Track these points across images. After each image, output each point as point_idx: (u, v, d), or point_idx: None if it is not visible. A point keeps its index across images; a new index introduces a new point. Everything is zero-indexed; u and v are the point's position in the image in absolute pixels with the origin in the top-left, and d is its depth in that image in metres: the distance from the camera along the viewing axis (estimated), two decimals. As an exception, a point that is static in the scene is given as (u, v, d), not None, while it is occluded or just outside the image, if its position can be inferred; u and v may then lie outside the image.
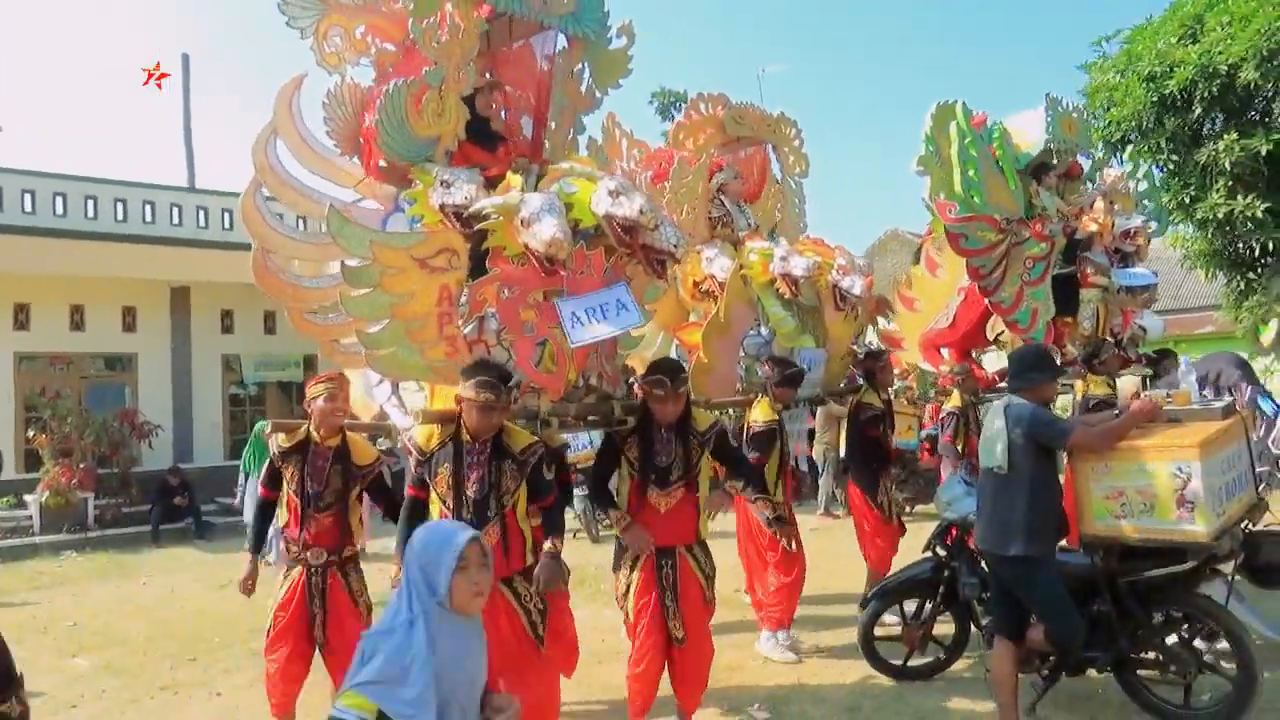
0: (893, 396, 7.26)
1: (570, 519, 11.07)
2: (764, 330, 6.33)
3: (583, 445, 10.94)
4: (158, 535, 12.78)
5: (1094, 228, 6.63)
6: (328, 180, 4.85)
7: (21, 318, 13.90)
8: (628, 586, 4.39)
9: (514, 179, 4.40)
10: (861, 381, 6.88)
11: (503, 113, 5.15)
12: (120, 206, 15.15)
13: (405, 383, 4.59)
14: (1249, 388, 11.31)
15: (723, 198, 6.91)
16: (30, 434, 13.39)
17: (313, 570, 4.36)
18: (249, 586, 4.39)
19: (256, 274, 4.45)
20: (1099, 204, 6.70)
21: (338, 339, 4.54)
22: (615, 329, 4.30)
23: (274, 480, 4.44)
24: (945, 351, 7.66)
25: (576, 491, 11.08)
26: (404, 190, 4.57)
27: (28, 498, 12.86)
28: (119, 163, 61.51)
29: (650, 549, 4.33)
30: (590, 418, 4.60)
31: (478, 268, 4.20)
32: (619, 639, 6.20)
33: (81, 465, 12.98)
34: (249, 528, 4.49)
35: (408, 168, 4.51)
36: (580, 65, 5.27)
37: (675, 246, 4.27)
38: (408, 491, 3.93)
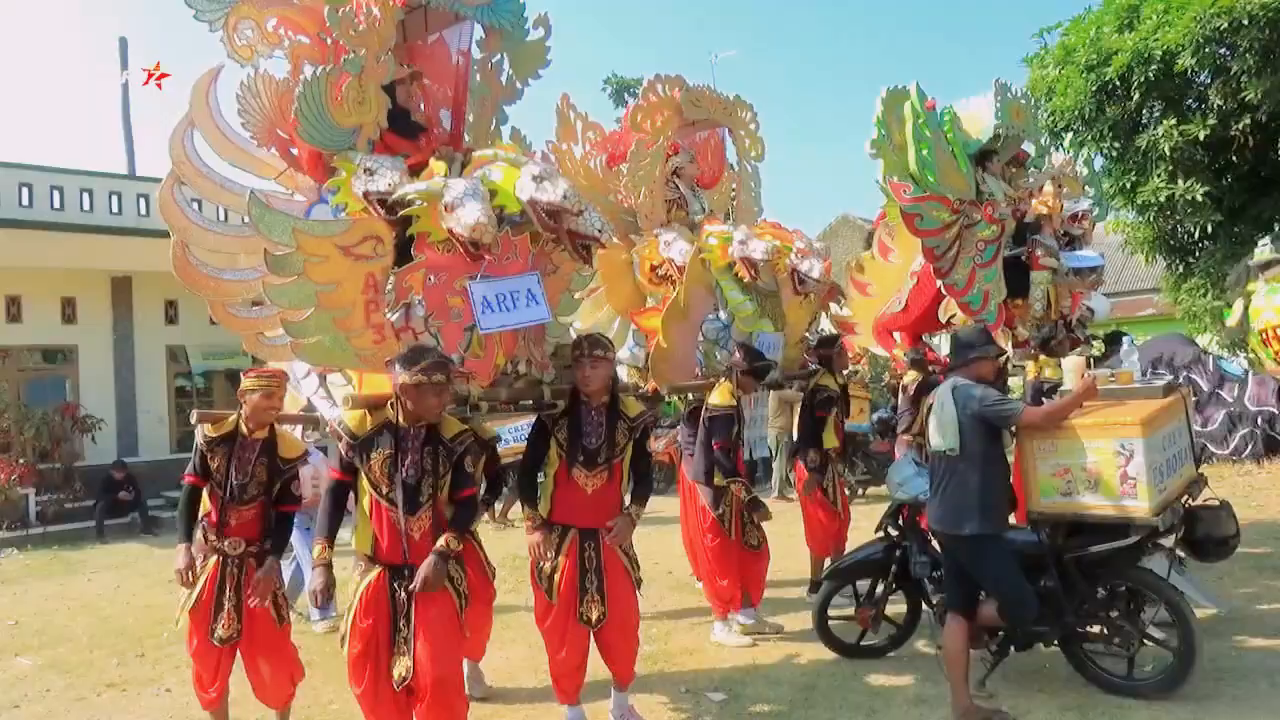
0: (847, 381, 7.33)
1: (517, 510, 11.02)
2: (722, 314, 6.34)
3: (523, 437, 10.90)
4: (102, 531, 12.52)
5: (1043, 211, 6.74)
6: (247, 172, 4.79)
7: (-45, 309, 13.47)
8: (553, 570, 4.42)
9: (437, 165, 4.38)
10: (816, 366, 6.94)
11: (421, 104, 5.10)
12: (57, 194, 14.71)
13: (333, 375, 4.54)
14: (1210, 359, 11.71)
15: (677, 181, 6.91)
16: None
17: (228, 560, 4.32)
18: (190, 577, 4.29)
19: (176, 267, 4.39)
20: (1048, 187, 6.81)
21: (262, 332, 4.47)
22: (521, 321, 4.30)
23: (204, 468, 4.36)
24: (898, 335, 7.75)
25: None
26: (328, 181, 4.51)
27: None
28: (55, 149, 59.73)
29: (548, 558, 4.44)
30: (521, 402, 4.60)
31: (402, 255, 4.16)
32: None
33: (21, 461, 12.65)
34: (178, 518, 4.41)
35: (329, 159, 4.46)
36: (499, 56, 5.25)
37: (600, 231, 4.27)
38: (330, 474, 3.93)
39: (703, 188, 7.26)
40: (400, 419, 3.76)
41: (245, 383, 4.40)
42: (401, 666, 3.67)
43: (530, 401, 4.60)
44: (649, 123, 6.67)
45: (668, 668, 5.51)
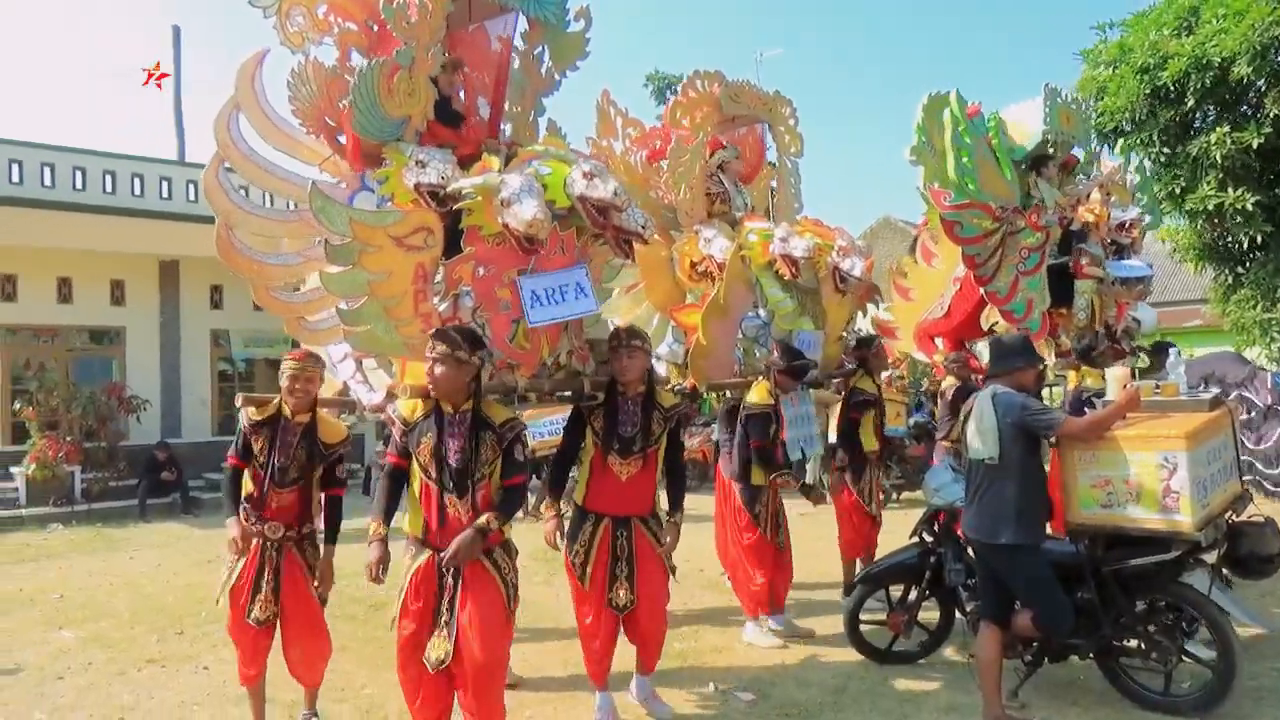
0: (883, 384, 7.28)
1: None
2: (762, 312, 6.32)
3: (555, 431, 10.93)
4: (145, 510, 12.78)
5: (1090, 218, 6.64)
6: (291, 157, 4.84)
7: (9, 289, 13.80)
8: (586, 556, 4.53)
9: (492, 160, 4.42)
10: (854, 366, 6.90)
11: (461, 93, 5.15)
12: (109, 179, 15.02)
13: (368, 361, 4.60)
14: (1269, 375, 11.42)
15: (721, 175, 6.88)
16: (16, 406, 13.32)
17: (268, 543, 4.37)
18: (243, 545, 4.32)
19: (220, 250, 4.44)
20: (1095, 195, 6.71)
21: (304, 316, 4.55)
22: (570, 314, 4.36)
23: (246, 451, 4.40)
24: (939, 341, 7.69)
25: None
26: (371, 170, 4.55)
27: (14, 470, 12.81)
28: (108, 135, 60.89)
29: (557, 545, 4.65)
30: (562, 393, 4.69)
31: (450, 246, 4.22)
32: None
33: (68, 439, 12.94)
34: (224, 496, 4.46)
35: (375, 147, 4.51)
36: (540, 47, 5.29)
37: (643, 228, 4.34)
38: (388, 459, 3.99)
39: (744, 182, 7.24)
40: (447, 405, 3.83)
41: (284, 365, 4.44)
42: (440, 650, 3.70)
43: (569, 392, 4.67)
44: (688, 119, 6.67)
45: (697, 665, 5.52)
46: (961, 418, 4.56)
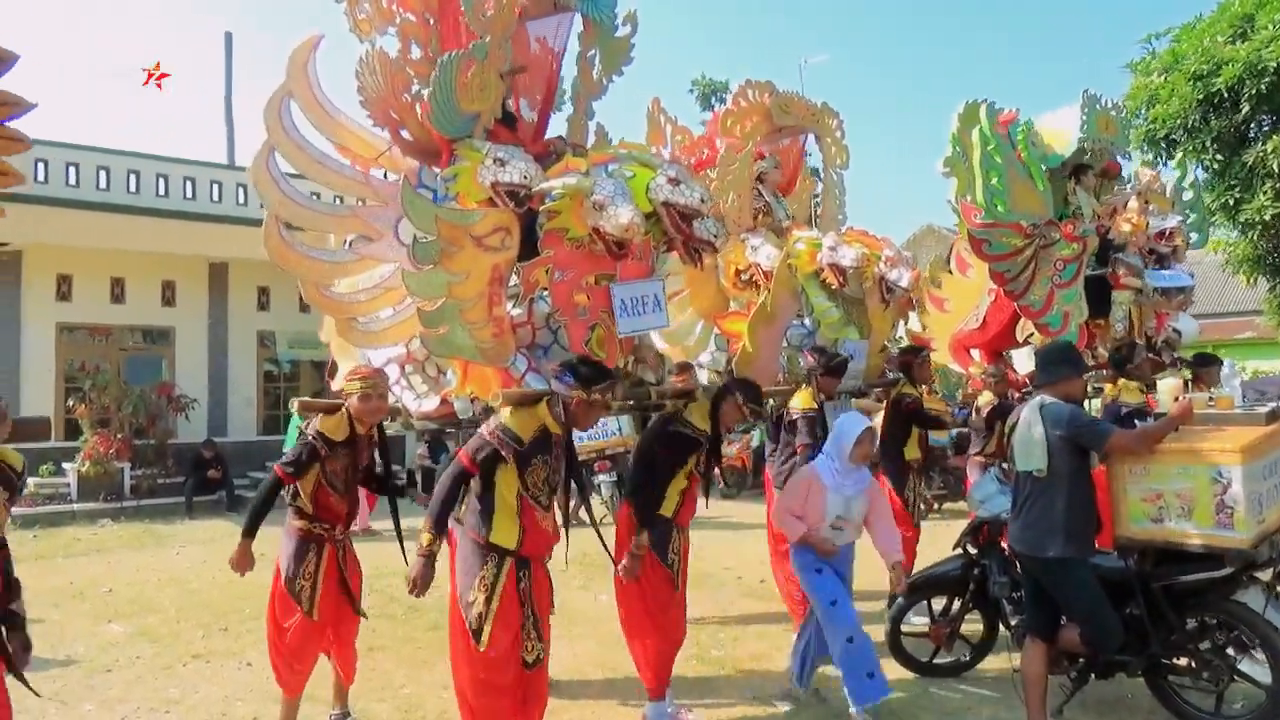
0: (924, 394, 7.20)
1: (596, 504, 11.13)
2: (807, 321, 6.29)
3: (610, 432, 10.98)
4: (191, 507, 13.02)
5: (1127, 228, 6.51)
6: (340, 148, 4.67)
7: (64, 289, 14.16)
8: (679, 564, 4.70)
9: (578, 161, 4.30)
10: (895, 375, 6.84)
11: (511, 94, 5.10)
12: (162, 182, 15.34)
13: (409, 365, 4.59)
14: None
15: (760, 187, 6.88)
16: (70, 403, 13.64)
17: (338, 545, 4.44)
18: (248, 565, 4.24)
19: (269, 244, 4.22)
20: (1133, 204, 6.57)
21: (355, 316, 4.44)
22: (648, 326, 4.35)
23: (300, 470, 4.28)
24: (975, 353, 7.59)
25: (604, 478, 11.17)
26: (427, 166, 4.44)
27: (66, 466, 13.12)
28: (161, 139, 62.21)
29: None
30: (629, 402, 4.67)
31: (523, 248, 4.15)
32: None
33: (119, 436, 13.22)
34: (251, 511, 4.27)
35: (436, 141, 4.41)
36: (593, 50, 5.25)
37: (715, 237, 4.27)
38: (462, 461, 3.74)
39: (784, 194, 7.22)
40: (556, 427, 3.83)
41: (349, 386, 4.38)
42: (535, 651, 3.74)
43: (634, 401, 4.68)
44: (739, 128, 6.65)
45: (734, 673, 5.49)
46: (1007, 429, 4.49)
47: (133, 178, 15.07)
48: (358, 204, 4.45)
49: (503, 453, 3.67)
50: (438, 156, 4.44)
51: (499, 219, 3.93)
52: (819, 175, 7.48)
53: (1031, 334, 6.58)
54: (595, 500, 11.18)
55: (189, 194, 15.56)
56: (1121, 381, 6.30)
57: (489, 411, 4.14)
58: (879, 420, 7.43)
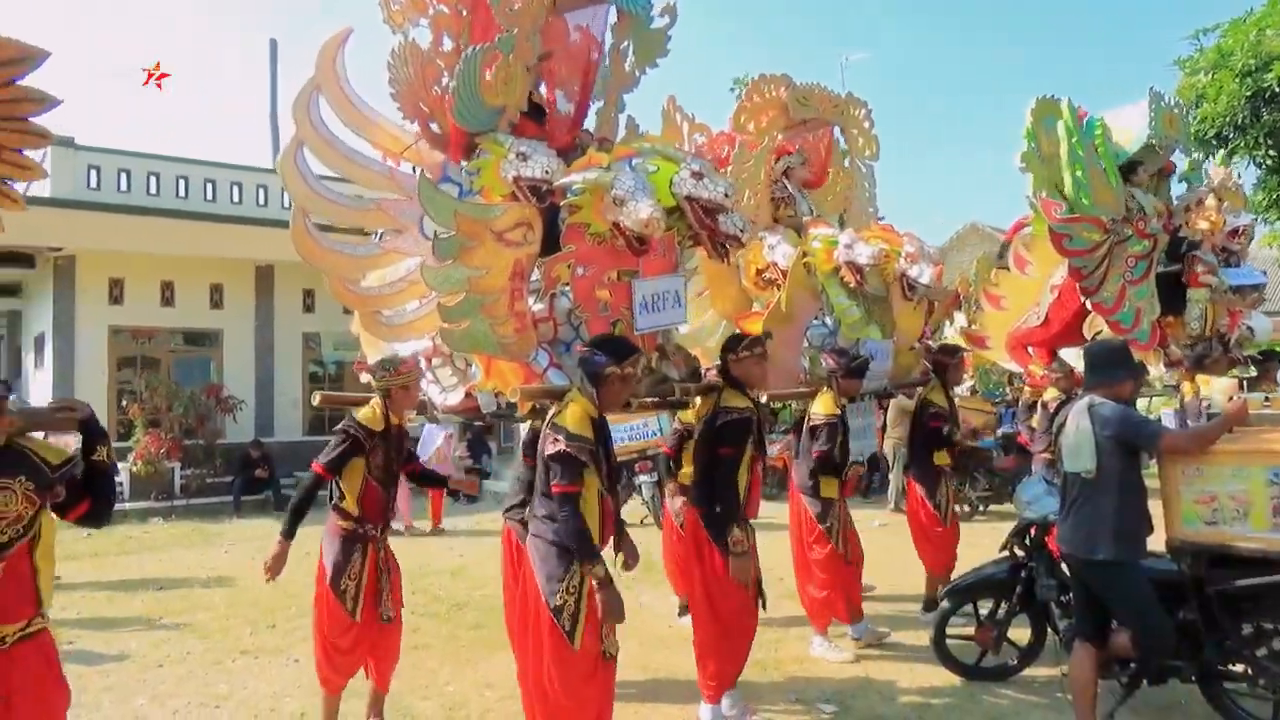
0: (957, 395, 7.11)
1: (636, 505, 11.15)
2: (828, 320, 6.21)
3: (651, 433, 10.97)
4: (239, 506, 13.27)
5: (1205, 225, 6.38)
6: (369, 143, 4.64)
7: (116, 292, 14.46)
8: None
9: (600, 155, 4.27)
10: (930, 376, 6.76)
11: (542, 85, 5.07)
12: (210, 187, 15.63)
13: (436, 359, 4.59)
14: None
15: (786, 182, 6.78)
16: (123, 404, 13.94)
17: (378, 545, 4.46)
18: (281, 568, 4.29)
19: (295, 238, 4.22)
20: (1210, 201, 6.44)
21: (378, 310, 4.43)
22: (667, 322, 4.31)
23: (341, 463, 4.34)
24: (1033, 350, 7.47)
25: (645, 479, 11.18)
26: (452, 160, 4.43)
27: (119, 465, 13.40)
28: (207, 145, 63.35)
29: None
30: (652, 399, 4.62)
31: (544, 243, 4.13)
32: (685, 626, 6.25)
33: (169, 436, 13.49)
34: (290, 510, 4.32)
35: (466, 137, 4.38)
36: (626, 42, 5.19)
37: (741, 231, 4.22)
38: (571, 491, 3.58)
39: (811, 189, 7.10)
40: (597, 412, 3.75)
41: (391, 379, 4.41)
42: (613, 644, 3.71)
43: (658, 398, 4.64)
44: (754, 123, 6.57)
45: (777, 676, 5.46)
46: (1054, 429, 4.42)
47: (181, 183, 15.37)
48: (383, 198, 4.46)
49: (581, 458, 3.57)
50: (466, 150, 4.40)
51: (520, 214, 3.92)
52: (848, 168, 7.36)
53: (1100, 330, 6.47)
54: (635, 501, 11.21)
55: (236, 198, 15.84)
56: (1199, 378, 6.19)
57: (513, 407, 4.16)
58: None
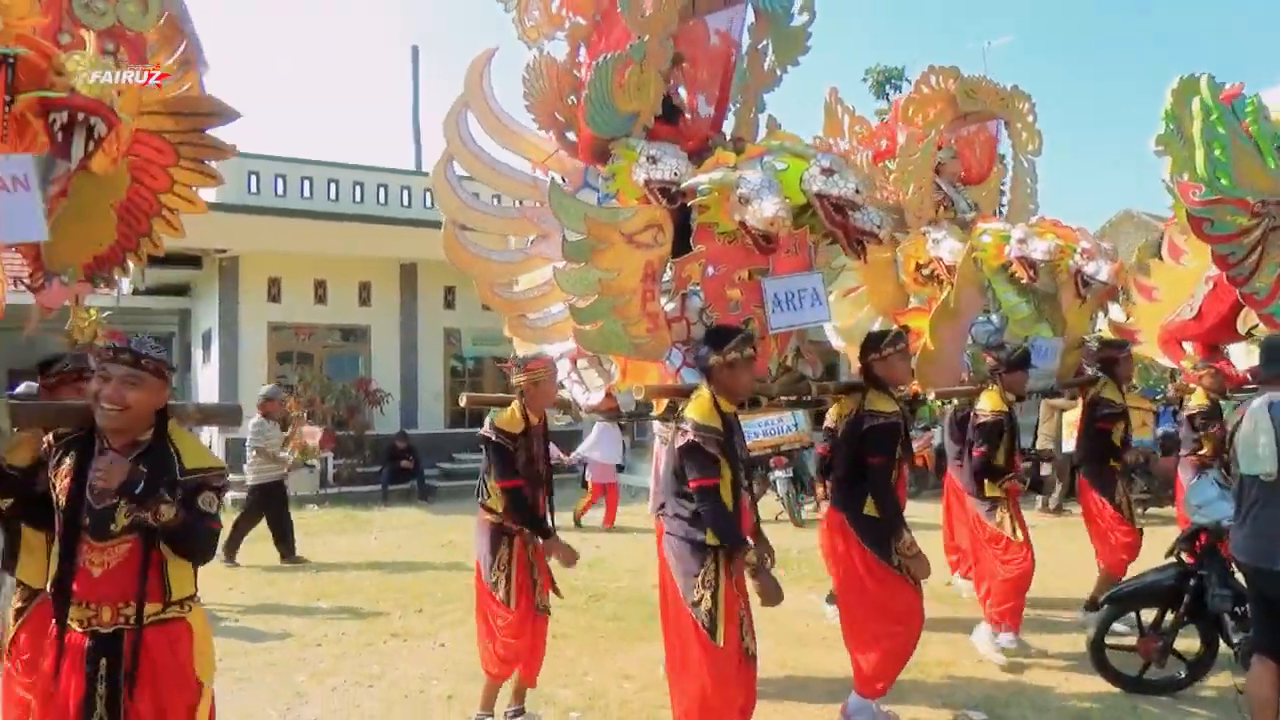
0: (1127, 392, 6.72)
1: (772, 501, 11.05)
2: (994, 317, 5.98)
3: (786, 428, 10.87)
4: (386, 495, 13.87)
5: None
6: (516, 154, 4.83)
7: (274, 291, 15.32)
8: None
9: (727, 155, 4.31)
10: (1094, 373, 6.43)
11: (680, 88, 5.09)
12: (358, 189, 16.34)
13: (582, 360, 4.65)
14: None
15: (938, 179, 6.60)
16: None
17: (527, 539, 4.50)
18: (570, 555, 4.40)
19: (447, 247, 4.52)
20: None
21: (524, 313, 4.58)
22: (807, 321, 4.25)
23: (512, 466, 4.35)
24: (1188, 345, 7.02)
25: (780, 474, 11.08)
26: (592, 166, 4.54)
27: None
28: (353, 148, 66.38)
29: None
30: (786, 397, 4.56)
31: (676, 244, 4.16)
32: (822, 623, 6.15)
33: (324, 427, 14.21)
34: (529, 525, 4.37)
35: (601, 143, 4.47)
36: (764, 41, 5.15)
37: (879, 227, 4.14)
38: (709, 484, 3.55)
39: (970, 184, 6.90)
40: (723, 406, 3.70)
41: (530, 375, 4.42)
42: (754, 642, 3.69)
43: (794, 396, 4.57)
44: (921, 116, 6.42)
45: (922, 678, 5.29)
46: (1230, 429, 4.11)
47: (332, 186, 16.12)
48: (527, 205, 4.59)
49: (710, 449, 3.54)
50: (600, 156, 4.52)
51: (651, 216, 3.97)
52: (1003, 162, 7.11)
53: (1255, 326, 6.02)
54: (770, 497, 11.11)
55: (382, 199, 16.51)
56: None
57: (649, 406, 4.17)
58: (1075, 416, 7.00)
